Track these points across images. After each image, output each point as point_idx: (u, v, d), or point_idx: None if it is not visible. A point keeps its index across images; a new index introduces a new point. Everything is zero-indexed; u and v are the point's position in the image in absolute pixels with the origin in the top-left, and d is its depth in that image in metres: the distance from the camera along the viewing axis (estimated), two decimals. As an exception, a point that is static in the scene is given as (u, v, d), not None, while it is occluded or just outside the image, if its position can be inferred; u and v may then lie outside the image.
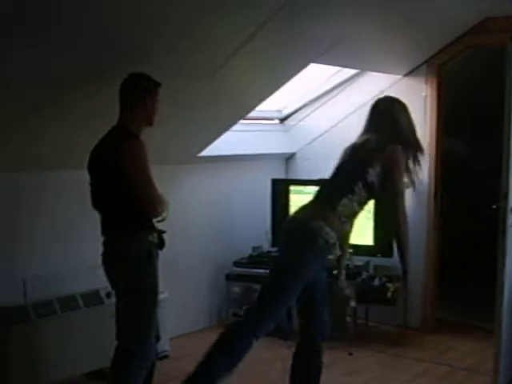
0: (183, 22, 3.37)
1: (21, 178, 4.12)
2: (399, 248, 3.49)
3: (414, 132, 3.61)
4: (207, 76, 4.04)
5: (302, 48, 4.21)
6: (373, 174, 3.39)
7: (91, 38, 3.14)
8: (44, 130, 3.76)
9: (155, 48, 3.49)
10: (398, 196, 3.43)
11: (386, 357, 4.72)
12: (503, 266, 3.97)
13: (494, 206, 4.06)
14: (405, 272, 3.53)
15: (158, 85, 3.45)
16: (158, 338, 3.60)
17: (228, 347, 3.44)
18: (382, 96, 3.78)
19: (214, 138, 4.94)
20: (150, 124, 3.48)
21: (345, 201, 3.39)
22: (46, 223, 4.33)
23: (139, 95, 3.38)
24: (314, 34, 4.08)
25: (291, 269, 3.46)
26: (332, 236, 3.36)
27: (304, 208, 3.58)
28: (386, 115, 3.59)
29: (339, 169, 3.58)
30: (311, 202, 3.57)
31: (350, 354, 4.86)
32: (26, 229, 4.24)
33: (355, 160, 3.51)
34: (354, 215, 3.47)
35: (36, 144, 3.85)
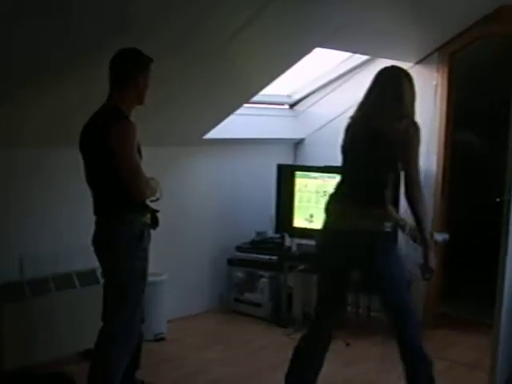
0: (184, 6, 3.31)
1: (14, 153, 4.05)
2: (419, 227, 3.24)
3: (413, 109, 3.36)
4: (212, 56, 3.98)
5: (307, 31, 4.11)
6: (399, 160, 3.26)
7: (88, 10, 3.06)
8: (36, 106, 3.69)
9: (158, 24, 3.39)
10: (417, 172, 3.22)
11: (385, 349, 4.64)
12: (504, 259, 3.88)
13: (498, 199, 3.97)
14: (425, 256, 3.26)
15: (149, 60, 3.31)
16: (142, 320, 3.57)
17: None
18: (388, 65, 3.51)
19: (219, 121, 4.88)
20: (141, 102, 3.37)
21: (386, 193, 3.29)
22: (42, 201, 4.29)
23: (129, 72, 3.27)
24: (320, 17, 3.99)
25: (402, 278, 3.37)
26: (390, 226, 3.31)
27: (339, 215, 3.35)
28: (391, 86, 3.35)
29: (359, 158, 3.35)
30: (343, 203, 3.35)
31: (347, 344, 4.80)
32: (21, 206, 4.20)
33: (380, 150, 3.26)
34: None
35: (27, 120, 3.79)
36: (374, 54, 5.20)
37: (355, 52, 5.20)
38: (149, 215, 3.44)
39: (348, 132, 3.49)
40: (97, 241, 3.39)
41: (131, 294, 3.39)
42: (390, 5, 4.18)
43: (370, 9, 4.13)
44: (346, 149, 3.46)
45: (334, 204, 3.40)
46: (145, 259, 3.44)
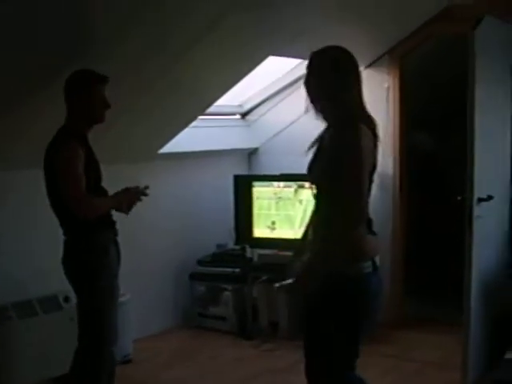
0: (138, 13, 3.26)
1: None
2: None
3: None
4: (164, 69, 3.94)
5: (261, 40, 4.11)
6: None
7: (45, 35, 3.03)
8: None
9: (108, 39, 3.37)
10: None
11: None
12: (470, 257, 3.91)
13: (459, 198, 4.00)
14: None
15: (100, 79, 3.29)
16: (115, 341, 3.50)
17: None
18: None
19: (175, 134, 4.82)
20: (96, 121, 3.36)
21: None
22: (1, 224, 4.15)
23: (75, 91, 3.26)
24: (272, 26, 3.98)
25: None
26: None
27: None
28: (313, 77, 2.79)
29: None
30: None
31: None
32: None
33: None
34: None
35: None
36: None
37: (306, 59, 5.16)
38: (114, 229, 3.42)
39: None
40: (63, 260, 3.36)
41: (101, 311, 3.34)
42: (340, 10, 4.19)
43: (321, 15, 4.14)
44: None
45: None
46: (112, 275, 3.39)
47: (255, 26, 3.92)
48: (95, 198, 3.29)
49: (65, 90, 3.28)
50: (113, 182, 3.52)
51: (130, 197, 3.43)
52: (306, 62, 5.25)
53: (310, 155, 2.82)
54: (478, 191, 3.92)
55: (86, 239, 3.31)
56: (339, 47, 2.75)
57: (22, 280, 4.13)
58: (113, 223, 3.43)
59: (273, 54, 4.49)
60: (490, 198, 4.01)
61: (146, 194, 3.48)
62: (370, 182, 2.68)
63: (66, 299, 4.19)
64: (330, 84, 2.68)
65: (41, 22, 2.99)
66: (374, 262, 2.67)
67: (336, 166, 2.58)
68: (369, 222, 2.70)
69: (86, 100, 3.25)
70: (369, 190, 2.68)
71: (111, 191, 3.46)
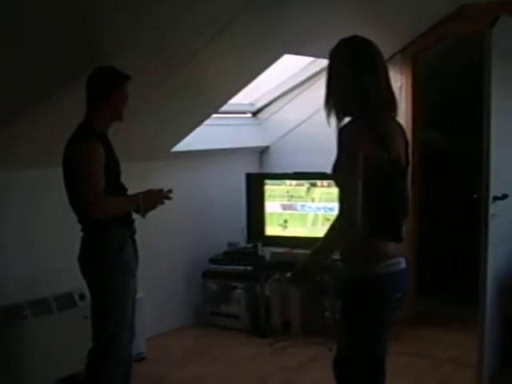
0: (154, 14, 3.27)
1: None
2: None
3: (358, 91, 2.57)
4: (180, 68, 3.94)
5: (276, 38, 4.11)
6: None
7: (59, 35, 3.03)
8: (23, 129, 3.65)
9: (123, 40, 3.38)
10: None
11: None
12: (486, 256, 3.91)
13: (476, 196, 4.00)
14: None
15: (124, 77, 3.30)
16: (131, 340, 3.51)
17: None
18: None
19: (188, 132, 4.83)
20: (118, 119, 3.36)
21: None
22: (17, 223, 4.17)
23: (101, 89, 3.26)
24: (289, 23, 3.98)
25: None
26: None
27: None
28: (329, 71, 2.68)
29: None
30: None
31: (330, 349, 4.75)
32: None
33: None
34: None
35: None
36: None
37: (319, 56, 5.19)
38: (132, 228, 3.41)
39: None
40: (79, 257, 3.35)
41: (114, 309, 3.33)
42: (352, 7, 4.19)
43: (334, 13, 4.14)
44: None
45: None
46: (128, 273, 3.38)
47: (269, 25, 3.92)
48: (112, 198, 3.26)
49: (88, 86, 3.26)
50: (125, 179, 3.51)
51: (151, 199, 3.36)
52: (318, 60, 5.26)
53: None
54: (494, 190, 3.92)
55: (102, 237, 3.30)
56: (358, 37, 2.66)
57: (37, 278, 4.13)
58: (131, 222, 3.42)
59: (288, 53, 4.50)
60: (505, 196, 4.01)
61: (169, 198, 3.42)
62: (389, 177, 2.57)
63: (82, 297, 4.19)
64: (346, 72, 2.59)
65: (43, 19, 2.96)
66: (392, 264, 2.59)
67: (337, 163, 2.57)
68: (391, 226, 2.61)
69: (110, 97, 3.25)
70: (392, 188, 2.60)
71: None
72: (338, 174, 2.57)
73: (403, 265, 2.62)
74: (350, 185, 2.47)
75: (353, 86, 2.55)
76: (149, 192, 3.37)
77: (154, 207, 3.38)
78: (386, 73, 2.62)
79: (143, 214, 3.35)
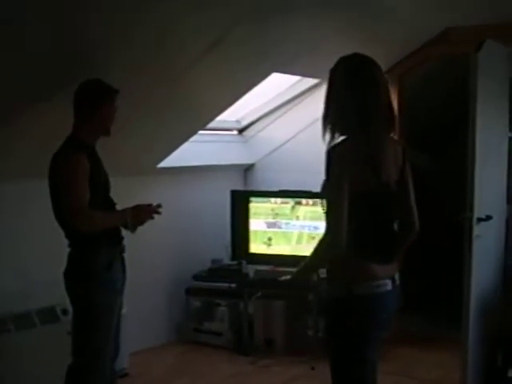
0: (144, 27, 3.28)
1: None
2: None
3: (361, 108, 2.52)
4: (168, 84, 3.96)
5: (265, 56, 4.14)
6: None
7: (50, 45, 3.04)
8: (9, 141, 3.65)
9: (109, 51, 3.38)
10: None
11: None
12: (469, 276, 3.94)
13: (460, 217, 4.03)
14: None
15: (113, 92, 3.29)
16: (114, 358, 3.46)
17: None
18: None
19: (175, 148, 4.83)
20: (106, 134, 3.34)
21: None
22: (1, 235, 4.12)
23: (89, 103, 3.23)
24: (279, 42, 4.02)
25: None
26: None
27: None
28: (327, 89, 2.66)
29: None
30: None
31: (313, 368, 4.76)
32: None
33: None
34: None
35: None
36: (325, 78, 5.22)
37: (307, 76, 5.23)
38: (121, 244, 3.37)
39: None
40: (65, 272, 3.30)
41: (100, 325, 3.28)
42: (341, 28, 4.24)
43: (322, 31, 4.18)
44: None
45: None
46: (115, 291, 3.34)
47: (258, 43, 3.95)
48: (98, 212, 3.22)
49: (76, 100, 3.24)
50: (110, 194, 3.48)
51: (140, 214, 3.31)
52: (305, 79, 5.29)
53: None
54: (477, 211, 3.96)
55: (90, 253, 3.24)
56: (358, 54, 2.66)
57: (20, 291, 4.09)
58: (120, 239, 3.37)
59: (276, 71, 4.53)
60: (488, 217, 4.05)
61: (158, 213, 3.37)
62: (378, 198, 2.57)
63: (64, 312, 4.15)
64: (344, 88, 2.58)
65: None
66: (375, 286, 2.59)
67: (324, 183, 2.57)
68: (378, 247, 2.59)
69: (97, 114, 3.23)
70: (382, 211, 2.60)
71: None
72: (324, 194, 2.56)
73: (389, 287, 2.60)
74: (335, 205, 2.46)
75: (351, 101, 2.52)
76: (137, 207, 3.32)
77: (142, 222, 3.34)
78: (387, 90, 2.61)
79: (131, 229, 3.31)
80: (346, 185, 2.44)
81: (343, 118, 2.56)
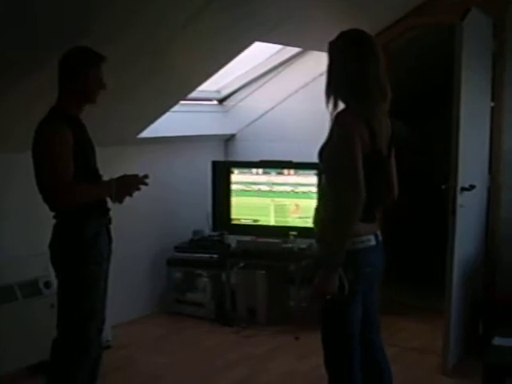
0: (128, 3, 3.21)
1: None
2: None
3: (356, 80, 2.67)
4: (149, 54, 3.88)
5: (247, 24, 4.07)
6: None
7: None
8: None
9: (93, 22, 3.29)
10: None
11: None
12: (453, 246, 3.96)
13: (444, 186, 4.04)
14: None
15: (99, 58, 3.19)
16: (100, 330, 3.44)
17: None
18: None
19: (155, 119, 4.77)
20: (92, 101, 3.25)
21: None
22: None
23: (77, 67, 3.14)
24: (260, 10, 3.95)
25: None
26: None
27: None
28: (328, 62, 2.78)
29: None
30: None
31: (297, 338, 4.79)
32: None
33: None
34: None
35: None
36: (308, 47, 5.20)
37: (289, 45, 5.17)
38: (107, 217, 3.33)
39: None
40: (50, 244, 3.25)
41: (82, 302, 3.24)
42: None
43: (306, 2, 4.13)
44: None
45: None
46: (101, 263, 3.30)
47: (241, 11, 3.88)
48: (80, 185, 3.14)
49: (60, 68, 3.15)
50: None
51: (126, 185, 3.25)
52: (286, 48, 5.25)
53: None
54: (461, 181, 3.97)
55: (75, 225, 3.19)
56: (356, 29, 2.81)
57: (3, 265, 4.04)
58: (106, 210, 3.33)
59: (258, 40, 4.46)
60: (472, 187, 4.07)
61: (145, 184, 3.31)
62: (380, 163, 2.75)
63: (47, 284, 4.13)
64: (340, 59, 2.72)
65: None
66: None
67: (333, 153, 2.70)
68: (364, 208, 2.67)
69: (83, 80, 3.14)
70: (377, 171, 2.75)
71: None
72: (332, 155, 2.68)
73: (372, 242, 2.79)
74: (352, 161, 2.59)
75: (352, 73, 2.67)
76: (122, 178, 3.25)
77: (129, 193, 3.27)
78: (382, 63, 2.71)
79: (116, 200, 3.26)
80: (359, 145, 2.60)
81: (345, 88, 2.71)
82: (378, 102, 2.70)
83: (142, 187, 3.35)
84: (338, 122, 2.66)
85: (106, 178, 3.35)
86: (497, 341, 3.45)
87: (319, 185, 2.90)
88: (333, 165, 2.69)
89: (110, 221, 3.38)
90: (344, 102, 2.72)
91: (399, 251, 5.93)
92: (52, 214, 3.23)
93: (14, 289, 4.02)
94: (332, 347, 2.86)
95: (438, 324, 4.34)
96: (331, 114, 2.71)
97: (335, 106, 2.72)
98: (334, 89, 2.73)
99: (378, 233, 2.86)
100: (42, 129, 3.13)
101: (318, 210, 2.85)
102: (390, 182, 2.90)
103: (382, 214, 2.98)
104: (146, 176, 3.31)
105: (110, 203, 3.35)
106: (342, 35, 2.77)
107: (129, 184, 3.27)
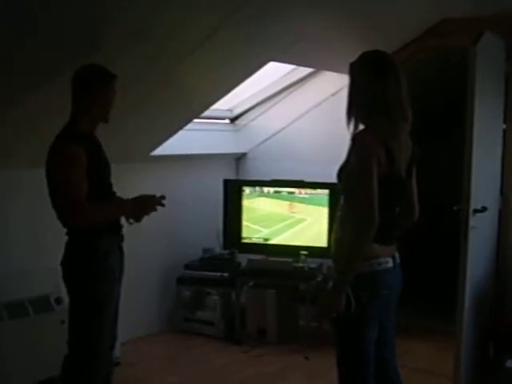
0: (142, 19, 3.23)
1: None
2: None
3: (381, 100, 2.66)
4: (164, 71, 3.91)
5: (262, 45, 4.11)
6: None
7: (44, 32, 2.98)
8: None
9: (109, 43, 3.31)
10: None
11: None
12: (465, 268, 3.95)
13: (456, 208, 4.04)
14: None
15: (112, 77, 3.20)
16: (112, 347, 3.45)
17: None
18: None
19: (168, 136, 4.80)
20: (104, 120, 3.27)
21: None
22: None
23: (92, 85, 3.14)
24: (273, 32, 3.99)
25: None
26: None
27: None
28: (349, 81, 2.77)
29: None
30: None
31: (306, 358, 4.77)
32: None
33: None
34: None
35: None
36: (320, 67, 5.23)
37: (302, 65, 5.21)
38: (119, 235, 3.33)
39: None
40: (62, 262, 3.25)
41: (94, 319, 3.24)
42: (339, 19, 4.22)
43: (321, 23, 4.17)
44: None
45: None
46: (113, 281, 3.30)
47: (257, 31, 3.91)
48: (95, 205, 3.14)
49: (74, 85, 3.15)
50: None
51: (143, 205, 3.28)
52: (299, 69, 5.30)
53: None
54: (474, 202, 3.97)
55: (87, 243, 3.19)
56: (377, 50, 2.79)
57: (12, 279, 4.05)
58: (119, 228, 3.33)
59: (273, 60, 4.50)
60: (484, 209, 4.06)
61: (162, 205, 3.32)
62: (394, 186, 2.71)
63: (58, 300, 4.14)
64: (361, 80, 2.71)
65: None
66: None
67: (349, 173, 2.69)
68: (380, 229, 2.64)
69: (97, 97, 3.15)
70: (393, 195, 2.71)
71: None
72: (349, 178, 2.68)
73: (390, 264, 2.75)
74: (367, 186, 2.58)
75: (367, 92, 2.67)
76: (138, 199, 3.28)
77: (146, 213, 3.30)
78: (403, 84, 2.70)
79: (131, 221, 3.30)
80: (375, 167, 2.58)
81: (367, 109, 2.69)
82: (399, 123, 2.69)
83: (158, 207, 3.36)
84: (356, 142, 2.65)
85: (118, 195, 3.37)
86: (510, 363, 3.43)
87: (337, 205, 2.86)
88: (349, 185, 2.69)
89: (122, 238, 3.38)
90: (364, 122, 2.71)
91: (411, 272, 5.93)
92: (64, 229, 3.24)
93: (25, 304, 4.03)
94: (347, 367, 2.85)
95: (445, 345, 4.33)
96: (352, 135, 2.70)
97: (356, 127, 2.71)
98: (355, 110, 2.72)
99: (396, 255, 2.82)
100: (54, 147, 3.13)
101: (335, 230, 2.85)
102: (410, 203, 2.88)
103: (402, 236, 2.89)
104: (163, 197, 3.33)
105: (122, 220, 3.35)
106: (363, 56, 2.76)
107: (146, 204, 3.29)
